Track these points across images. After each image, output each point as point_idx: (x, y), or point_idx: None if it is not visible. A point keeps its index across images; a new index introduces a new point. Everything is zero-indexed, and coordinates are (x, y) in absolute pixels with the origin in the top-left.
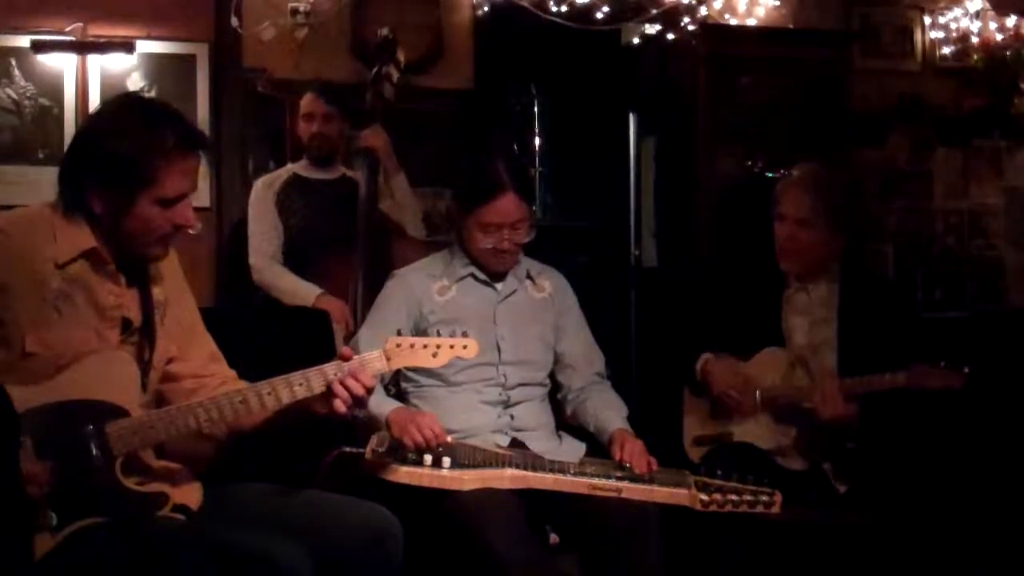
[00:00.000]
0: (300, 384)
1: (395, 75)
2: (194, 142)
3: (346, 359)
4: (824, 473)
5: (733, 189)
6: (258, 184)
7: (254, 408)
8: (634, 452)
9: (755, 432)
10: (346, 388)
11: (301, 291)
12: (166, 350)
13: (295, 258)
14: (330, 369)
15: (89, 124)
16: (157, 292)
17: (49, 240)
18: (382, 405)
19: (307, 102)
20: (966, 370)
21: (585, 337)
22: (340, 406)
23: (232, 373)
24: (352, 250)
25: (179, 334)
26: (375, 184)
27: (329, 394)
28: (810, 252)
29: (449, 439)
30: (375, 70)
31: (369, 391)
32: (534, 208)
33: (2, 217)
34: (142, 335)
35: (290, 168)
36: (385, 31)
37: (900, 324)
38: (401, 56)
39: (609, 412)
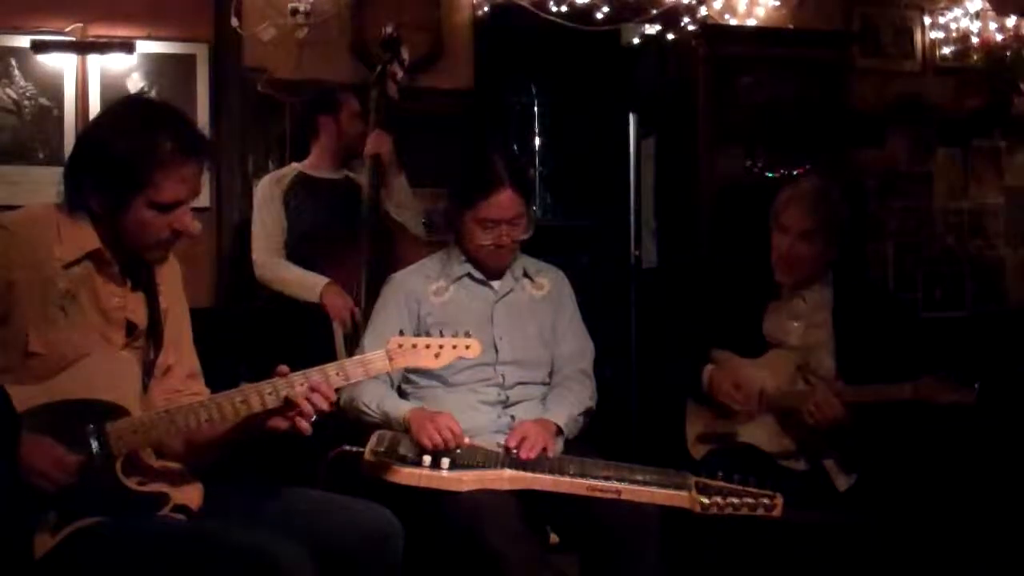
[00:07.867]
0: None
1: (399, 73)
2: (195, 148)
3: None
4: (825, 472)
5: (733, 189)
6: (265, 180)
7: (255, 407)
8: (525, 435)
9: (759, 435)
10: (311, 403)
11: (308, 281)
12: (166, 356)
13: (301, 256)
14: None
15: (93, 123)
16: (161, 298)
17: (55, 240)
18: (399, 406)
19: (355, 103)
20: (976, 385)
21: (577, 335)
22: (303, 423)
23: (207, 391)
24: (356, 249)
25: (173, 344)
26: (379, 190)
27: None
28: (808, 264)
29: (467, 440)
30: (379, 68)
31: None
32: (534, 208)
33: (7, 216)
34: (148, 339)
35: (295, 167)
36: (389, 28)
37: (897, 326)
38: (405, 54)
39: (556, 406)
